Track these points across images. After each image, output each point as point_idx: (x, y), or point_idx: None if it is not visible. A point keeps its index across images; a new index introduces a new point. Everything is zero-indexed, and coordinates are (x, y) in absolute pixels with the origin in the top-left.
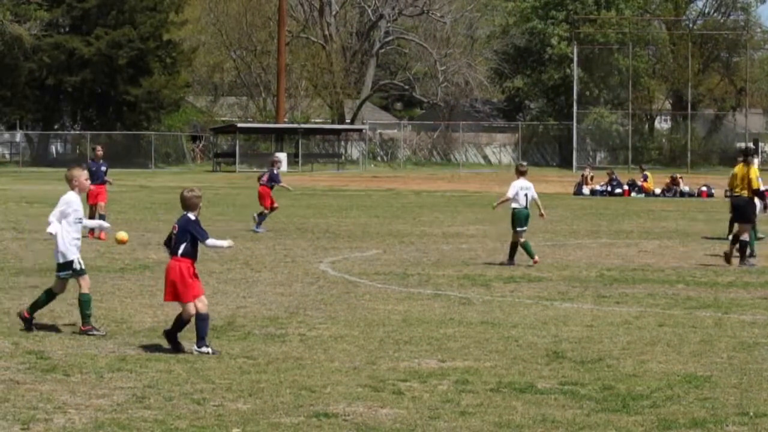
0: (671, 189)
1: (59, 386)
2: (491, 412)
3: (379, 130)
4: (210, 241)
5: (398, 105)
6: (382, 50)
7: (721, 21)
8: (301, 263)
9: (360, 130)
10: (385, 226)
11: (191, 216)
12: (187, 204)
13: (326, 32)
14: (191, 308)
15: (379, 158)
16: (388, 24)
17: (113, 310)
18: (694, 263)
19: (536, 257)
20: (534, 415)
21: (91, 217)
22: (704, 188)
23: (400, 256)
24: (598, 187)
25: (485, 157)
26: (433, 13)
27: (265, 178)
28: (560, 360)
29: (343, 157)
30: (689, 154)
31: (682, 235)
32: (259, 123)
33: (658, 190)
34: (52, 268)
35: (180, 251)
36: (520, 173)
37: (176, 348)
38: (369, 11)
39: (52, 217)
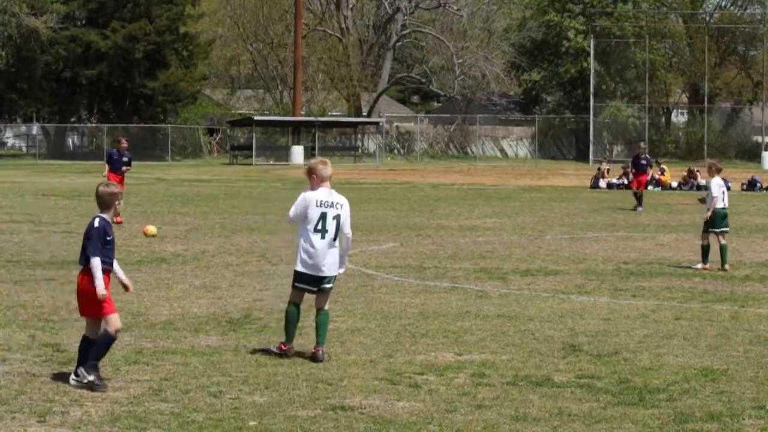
0: (688, 182)
1: None
2: (507, 406)
3: (395, 123)
4: (95, 263)
5: (415, 98)
6: (399, 43)
7: (738, 14)
8: None
9: (377, 123)
10: (402, 219)
11: (96, 222)
12: (101, 202)
13: (343, 25)
14: (116, 321)
15: (395, 151)
16: (405, 17)
17: (130, 302)
18: (710, 256)
19: (727, 266)
20: (550, 409)
21: None
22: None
23: (416, 249)
24: (614, 181)
25: (502, 150)
26: (449, 6)
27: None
28: (577, 353)
29: (359, 150)
30: (706, 148)
31: (699, 229)
32: (276, 116)
33: (674, 184)
34: (68, 260)
35: (85, 259)
36: (718, 171)
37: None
38: (386, 4)
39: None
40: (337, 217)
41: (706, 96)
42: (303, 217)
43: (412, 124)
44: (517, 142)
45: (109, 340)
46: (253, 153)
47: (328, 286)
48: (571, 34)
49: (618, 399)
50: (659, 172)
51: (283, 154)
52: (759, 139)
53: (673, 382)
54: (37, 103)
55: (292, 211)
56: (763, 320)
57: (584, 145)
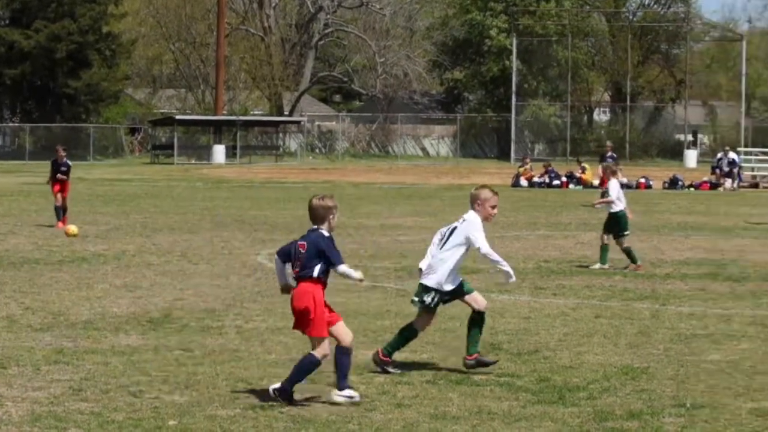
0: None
1: None
2: (427, 404)
3: (317, 122)
4: (342, 268)
5: (337, 97)
6: (321, 42)
7: (661, 13)
8: (238, 255)
9: (298, 122)
10: None
11: (324, 232)
12: (315, 215)
13: (265, 24)
14: (325, 346)
15: (317, 150)
16: (328, 16)
17: (50, 302)
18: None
19: (640, 262)
20: (470, 407)
21: (62, 209)
22: (642, 180)
23: (337, 247)
24: (536, 179)
25: (423, 149)
26: (372, 5)
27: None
28: (497, 352)
29: (281, 150)
30: (628, 146)
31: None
32: (198, 115)
33: (596, 182)
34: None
35: (315, 273)
36: (613, 173)
37: (292, 401)
38: (308, 3)
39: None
40: (454, 229)
41: (628, 94)
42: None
43: (334, 123)
44: (439, 141)
45: (314, 364)
46: (175, 152)
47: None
48: (493, 32)
49: (538, 397)
50: (580, 171)
51: (205, 154)
52: (681, 137)
53: (593, 381)
54: None
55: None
56: (684, 318)
57: (506, 144)
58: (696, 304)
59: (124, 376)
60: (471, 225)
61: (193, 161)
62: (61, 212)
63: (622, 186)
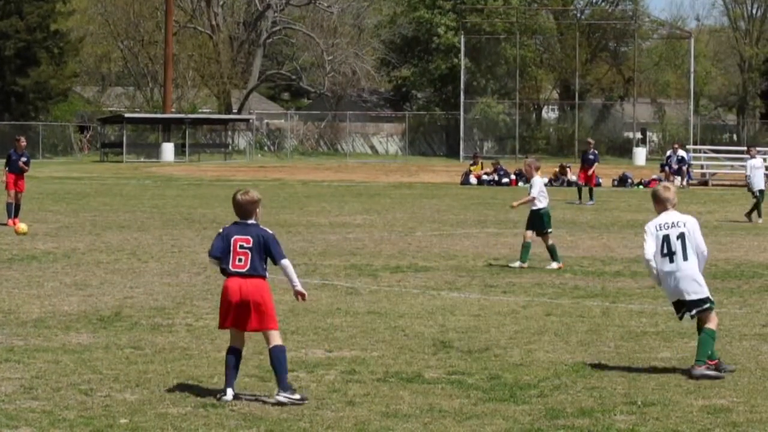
0: (559, 179)
1: None
2: (378, 402)
3: (266, 120)
4: (286, 262)
5: (285, 95)
6: (270, 40)
7: (609, 10)
8: (188, 253)
9: (247, 120)
10: (272, 215)
11: (267, 229)
12: (245, 210)
13: (213, 22)
14: (279, 336)
15: (266, 148)
16: (276, 14)
17: (0, 300)
18: (581, 252)
19: (561, 263)
20: (421, 405)
21: (16, 204)
22: None
23: (286, 245)
24: (485, 177)
25: (372, 147)
26: (320, 3)
27: None
28: (447, 350)
29: (230, 147)
30: (577, 144)
31: (569, 225)
32: (147, 113)
33: (546, 180)
34: None
35: (263, 272)
36: (536, 169)
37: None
38: (256, 1)
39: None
40: (682, 236)
41: (577, 92)
42: (653, 247)
43: (283, 120)
44: (388, 139)
45: (285, 352)
46: (124, 150)
47: (705, 306)
48: (441, 30)
49: (489, 395)
50: None
51: (154, 152)
52: (630, 135)
53: (544, 378)
54: None
55: (646, 249)
56: (634, 316)
57: (455, 142)
58: (646, 301)
59: (75, 375)
60: (696, 228)
61: (142, 159)
62: (12, 210)
63: (570, 183)
